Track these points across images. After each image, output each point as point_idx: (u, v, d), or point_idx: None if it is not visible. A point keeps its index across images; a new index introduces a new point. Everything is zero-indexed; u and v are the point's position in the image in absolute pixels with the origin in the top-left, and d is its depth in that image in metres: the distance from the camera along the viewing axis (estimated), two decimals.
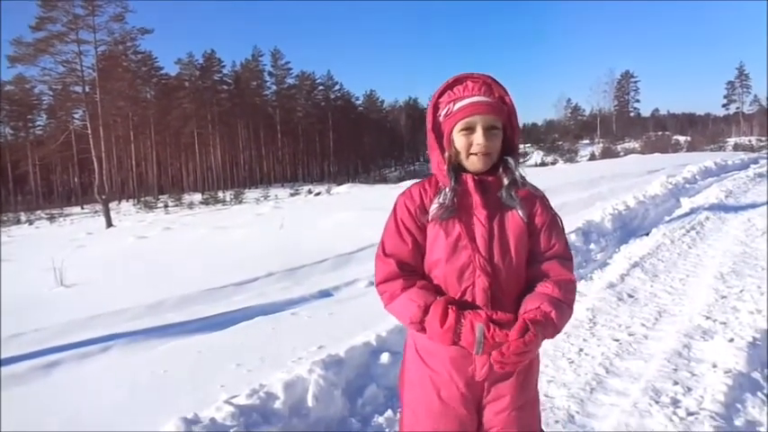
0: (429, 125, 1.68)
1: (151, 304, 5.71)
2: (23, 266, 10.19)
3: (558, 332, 1.61)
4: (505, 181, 1.66)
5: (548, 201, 1.76)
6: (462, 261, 1.63)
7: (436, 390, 1.71)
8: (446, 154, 1.65)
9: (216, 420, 2.79)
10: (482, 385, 1.71)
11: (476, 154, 1.61)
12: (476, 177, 1.65)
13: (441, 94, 1.66)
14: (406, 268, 1.68)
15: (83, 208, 48.05)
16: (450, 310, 1.55)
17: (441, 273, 1.66)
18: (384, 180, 51.95)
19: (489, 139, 1.60)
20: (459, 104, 1.62)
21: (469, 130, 1.60)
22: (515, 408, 1.72)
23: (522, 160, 1.80)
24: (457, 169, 1.65)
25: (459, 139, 1.62)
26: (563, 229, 1.77)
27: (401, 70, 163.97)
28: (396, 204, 1.74)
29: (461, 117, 1.60)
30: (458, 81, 1.65)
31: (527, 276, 1.69)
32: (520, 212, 1.66)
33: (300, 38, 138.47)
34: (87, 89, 34.22)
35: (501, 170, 1.67)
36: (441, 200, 1.65)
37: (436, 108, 1.67)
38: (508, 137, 1.66)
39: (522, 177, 1.69)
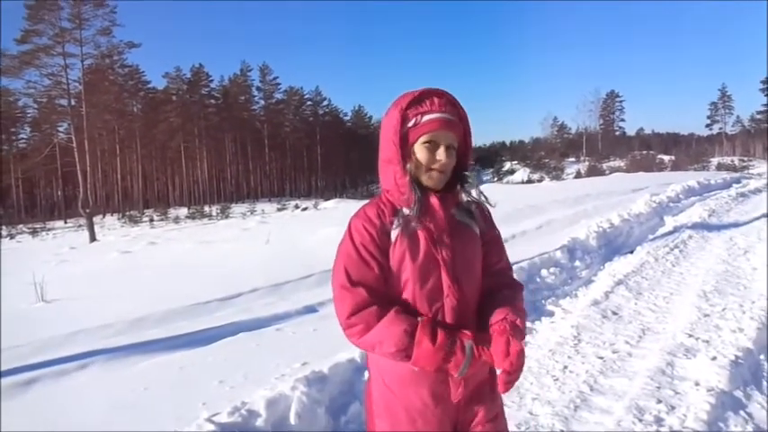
0: (396, 137, 1.61)
1: (133, 320, 5.64)
2: (4, 281, 10.03)
3: (524, 337, 1.62)
4: (464, 197, 1.67)
5: (491, 216, 1.79)
6: (432, 282, 1.61)
7: (412, 420, 1.66)
8: (408, 166, 1.62)
9: None
10: (457, 406, 1.68)
11: (436, 170, 1.61)
12: (437, 193, 1.63)
13: (409, 106, 1.62)
14: (376, 295, 1.60)
15: (66, 222, 47.64)
16: (438, 330, 1.53)
17: (409, 295, 1.62)
18: (371, 195, 51.74)
19: (449, 157, 1.61)
20: (427, 117, 1.60)
21: (432, 144, 1.60)
22: (488, 420, 1.72)
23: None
24: (418, 184, 1.63)
25: (421, 152, 1.60)
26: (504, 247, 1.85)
27: (389, 87, 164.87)
28: (351, 229, 1.65)
29: (428, 130, 1.59)
30: (425, 95, 1.63)
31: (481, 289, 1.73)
32: (475, 228, 1.69)
33: (289, 53, 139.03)
34: (73, 102, 33.98)
35: (459, 187, 1.67)
36: (403, 215, 1.62)
37: (403, 119, 1.62)
38: (462, 155, 1.67)
39: (480, 194, 1.71)
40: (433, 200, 1.62)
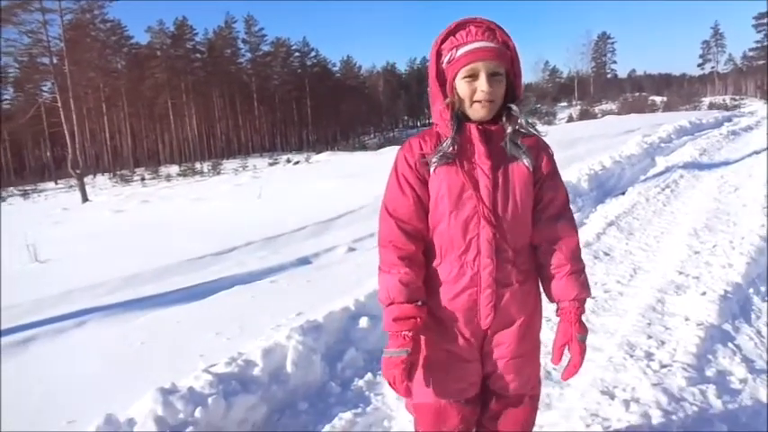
0: (433, 73, 1.61)
1: (128, 277, 5.65)
2: None
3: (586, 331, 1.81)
4: (509, 129, 1.61)
5: (551, 150, 1.73)
6: (467, 213, 1.59)
7: (442, 338, 1.71)
8: (449, 100, 1.59)
9: (194, 389, 2.78)
10: (485, 333, 1.72)
11: (479, 101, 1.56)
12: (479, 126, 1.60)
13: (443, 41, 1.59)
14: (406, 229, 1.64)
15: (57, 183, 47.20)
16: (406, 319, 1.61)
17: (445, 226, 1.62)
18: (364, 147, 51.51)
19: (493, 86, 1.54)
20: (462, 50, 1.54)
21: (473, 77, 1.54)
22: (515, 356, 1.75)
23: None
24: (460, 118, 1.60)
25: (462, 87, 1.56)
26: (562, 181, 1.77)
27: (378, 35, 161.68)
28: (397, 158, 1.67)
29: (465, 63, 1.54)
30: (460, 26, 1.57)
31: (533, 231, 1.70)
32: (525, 162, 1.62)
33: (274, 3, 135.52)
34: (55, 60, 33.15)
35: (504, 118, 1.62)
36: (442, 149, 1.59)
37: (439, 55, 1.60)
38: (511, 83, 1.60)
39: (529, 124, 1.65)
40: (473, 131, 1.59)
